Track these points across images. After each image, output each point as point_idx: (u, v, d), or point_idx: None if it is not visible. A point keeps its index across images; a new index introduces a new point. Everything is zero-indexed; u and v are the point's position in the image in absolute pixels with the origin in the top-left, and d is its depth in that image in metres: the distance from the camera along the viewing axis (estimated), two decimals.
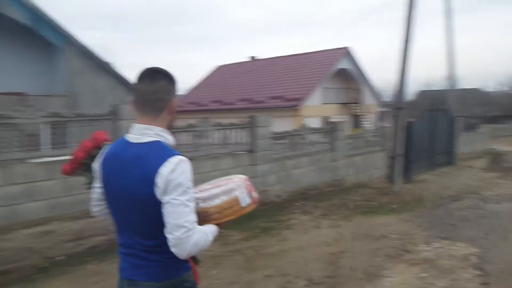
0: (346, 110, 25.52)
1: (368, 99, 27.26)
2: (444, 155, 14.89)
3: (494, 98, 43.40)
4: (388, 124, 19.05)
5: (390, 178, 10.79)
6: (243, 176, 2.02)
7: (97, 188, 1.84)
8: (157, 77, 1.71)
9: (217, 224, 1.79)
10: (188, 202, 1.60)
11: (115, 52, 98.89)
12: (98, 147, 1.97)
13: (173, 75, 1.77)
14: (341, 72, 25.64)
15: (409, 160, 12.37)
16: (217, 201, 1.82)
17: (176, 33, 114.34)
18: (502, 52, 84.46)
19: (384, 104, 30.37)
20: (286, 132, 9.12)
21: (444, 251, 5.74)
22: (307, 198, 8.97)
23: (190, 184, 1.63)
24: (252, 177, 8.04)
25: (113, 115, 6.25)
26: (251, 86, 25.81)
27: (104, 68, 14.24)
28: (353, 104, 25.60)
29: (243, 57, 31.02)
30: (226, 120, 8.49)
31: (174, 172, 1.58)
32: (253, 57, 30.07)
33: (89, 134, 2.12)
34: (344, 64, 25.20)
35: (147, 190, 1.60)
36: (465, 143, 20.84)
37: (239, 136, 8.11)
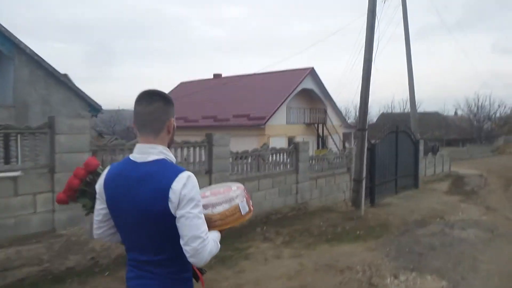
0: (311, 130, 25.36)
1: (333, 120, 27.26)
2: (407, 178, 14.76)
3: (453, 121, 44.74)
4: (352, 145, 18.94)
5: (355, 201, 10.44)
6: (240, 185, 2.08)
7: (100, 210, 1.85)
8: (153, 99, 1.77)
9: (219, 231, 1.86)
10: (200, 214, 1.69)
11: (74, 64, 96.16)
12: (91, 173, 2.02)
13: (169, 96, 1.84)
14: (306, 92, 25.53)
15: (374, 183, 12.08)
16: (219, 209, 1.89)
17: (140, 47, 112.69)
18: (459, 77, 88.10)
19: (349, 125, 30.54)
20: (246, 152, 8.55)
21: (413, 286, 5.29)
22: (269, 223, 8.41)
23: (199, 197, 1.71)
24: None
25: (49, 128, 5.70)
26: (215, 104, 25.27)
27: (57, 80, 13.35)
28: (318, 125, 25.47)
29: (207, 75, 30.43)
30: (191, 137, 7.86)
31: (186, 187, 1.65)
32: (216, 75, 29.59)
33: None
34: (309, 84, 25.12)
35: (160, 206, 1.65)
36: (427, 166, 21.02)
37: (198, 156, 7.48)
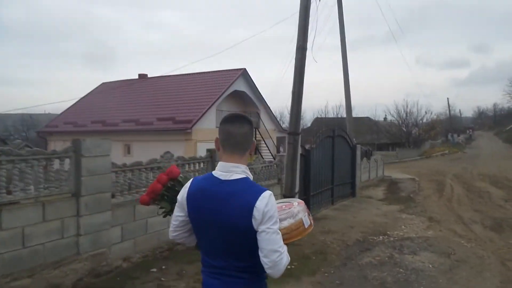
0: None
1: (267, 124, 25.54)
2: (344, 186, 13.20)
3: (383, 126, 45.11)
4: (285, 151, 17.18)
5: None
6: (301, 201, 2.29)
7: (178, 217, 2.01)
8: (245, 121, 1.96)
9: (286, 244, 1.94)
10: (278, 230, 1.85)
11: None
12: (173, 180, 2.27)
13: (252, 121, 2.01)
14: (237, 94, 23.61)
15: (309, 194, 10.29)
16: (285, 223, 2.04)
17: (64, 49, 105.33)
18: (388, 86, 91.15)
19: (283, 130, 29.02)
20: (138, 163, 6.26)
21: None
22: (172, 257, 6.20)
23: (277, 214, 1.87)
24: (73, 235, 5.06)
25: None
26: (139, 106, 22.57)
27: None
28: None
29: (133, 76, 27.51)
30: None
31: (268, 205, 1.81)
32: (142, 75, 26.80)
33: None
34: (241, 86, 23.21)
35: (245, 222, 1.81)
36: (362, 171, 19.85)
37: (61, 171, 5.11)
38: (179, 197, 1.99)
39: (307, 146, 10.75)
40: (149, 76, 26.86)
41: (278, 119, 27.87)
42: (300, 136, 7.55)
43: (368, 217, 10.92)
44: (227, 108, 23.02)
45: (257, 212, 1.78)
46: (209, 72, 23.88)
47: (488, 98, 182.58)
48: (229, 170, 1.88)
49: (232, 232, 1.83)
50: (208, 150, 8.30)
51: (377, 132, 43.58)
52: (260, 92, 24.41)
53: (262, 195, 1.82)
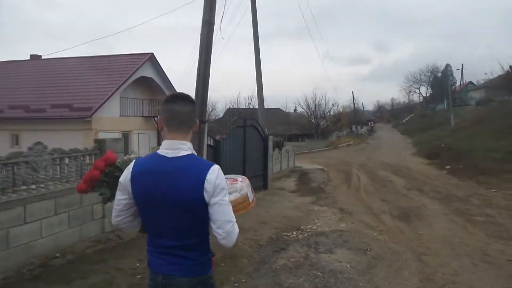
0: (151, 124, 21.85)
1: None
2: (257, 179, 12.58)
3: (294, 118, 45.90)
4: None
5: None
6: (244, 177, 2.45)
7: (121, 200, 1.97)
8: (189, 100, 1.99)
9: None
10: (228, 201, 1.91)
11: None
12: (110, 165, 2.21)
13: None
14: (145, 81, 21.92)
15: None
16: (231, 197, 2.08)
17: None
18: (298, 79, 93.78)
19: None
20: None
21: None
22: (45, 276, 4.90)
23: (227, 186, 1.94)
24: None
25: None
26: (29, 91, 19.87)
27: None
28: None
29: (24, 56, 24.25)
30: None
31: (218, 178, 1.85)
32: (34, 56, 23.74)
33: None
34: (148, 72, 21.52)
35: (197, 195, 1.82)
36: (274, 162, 19.55)
37: None
38: (121, 179, 1.95)
39: (217, 137, 9.87)
40: (43, 57, 23.88)
41: None
42: (206, 124, 6.59)
43: (281, 210, 10.40)
44: (133, 95, 21.30)
45: (208, 185, 1.80)
46: (112, 55, 21.82)
47: (386, 93, 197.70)
48: (176, 148, 1.89)
49: (183, 207, 1.83)
50: (96, 141, 7.03)
51: (288, 124, 44.19)
52: (169, 79, 22.94)
53: (211, 168, 1.86)
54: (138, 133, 20.18)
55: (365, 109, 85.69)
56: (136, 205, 1.96)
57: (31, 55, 23.88)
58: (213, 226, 1.85)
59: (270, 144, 13.41)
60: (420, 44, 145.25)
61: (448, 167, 21.51)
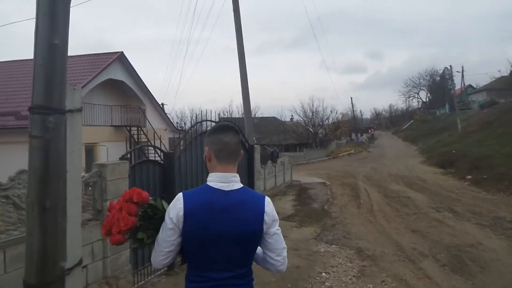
0: (123, 135, 18.24)
1: (156, 123, 20.58)
2: None
3: (290, 127, 42.31)
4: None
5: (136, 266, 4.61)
6: None
7: (173, 241, 1.82)
8: (237, 131, 1.93)
9: None
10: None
11: None
12: (143, 206, 1.89)
13: None
14: (116, 85, 18.41)
15: None
16: None
17: None
18: (293, 88, 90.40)
19: (176, 129, 24.20)
20: None
21: None
22: None
23: None
24: None
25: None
26: None
27: None
28: (131, 128, 18.43)
29: None
30: None
31: (273, 209, 1.88)
32: None
33: None
34: (117, 74, 18.00)
35: (258, 228, 1.82)
36: (267, 177, 15.97)
37: None
38: (172, 216, 1.79)
39: (170, 149, 6.28)
40: None
41: (168, 116, 22.87)
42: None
43: None
44: (101, 101, 17.71)
45: (267, 217, 1.82)
46: (76, 56, 18.27)
47: (382, 100, 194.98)
48: (230, 180, 1.84)
49: (244, 239, 1.81)
50: (97, 166, 4.67)
51: (284, 133, 40.62)
52: (143, 83, 19.38)
53: (265, 200, 1.88)
54: (106, 146, 16.53)
55: (363, 116, 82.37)
56: (184, 241, 1.82)
57: None
58: (271, 255, 1.88)
59: (257, 156, 9.84)
60: (415, 51, 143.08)
61: (469, 177, 18.07)
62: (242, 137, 9.62)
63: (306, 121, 41.43)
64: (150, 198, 1.92)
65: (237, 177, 1.87)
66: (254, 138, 14.63)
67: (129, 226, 1.80)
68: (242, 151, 1.95)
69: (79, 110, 2.72)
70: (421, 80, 73.05)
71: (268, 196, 7.37)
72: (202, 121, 7.22)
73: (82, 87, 15.73)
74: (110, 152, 16.38)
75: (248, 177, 9.45)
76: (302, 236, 8.32)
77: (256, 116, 41.65)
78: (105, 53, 17.96)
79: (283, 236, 6.58)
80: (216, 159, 1.85)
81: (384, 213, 11.36)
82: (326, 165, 30.05)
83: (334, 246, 7.66)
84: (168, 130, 22.15)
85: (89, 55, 18.16)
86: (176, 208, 1.79)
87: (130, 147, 17.50)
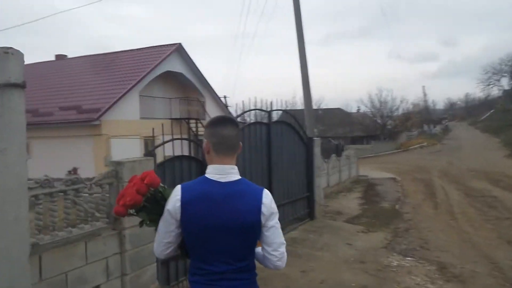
0: (182, 128, 17.81)
1: (215, 115, 19.96)
2: (294, 205, 7.80)
3: (356, 118, 40.05)
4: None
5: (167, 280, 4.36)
6: None
7: (171, 232, 1.82)
8: (235, 124, 1.91)
9: None
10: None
11: None
12: (153, 189, 1.88)
13: None
14: (174, 78, 18.05)
15: None
16: None
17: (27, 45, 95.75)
18: (361, 79, 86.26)
19: (242, 123, 23.50)
20: None
21: None
22: None
23: None
24: None
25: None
26: (42, 92, 16.75)
27: None
28: (193, 120, 17.95)
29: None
30: None
31: (272, 201, 1.83)
32: (60, 56, 20.84)
33: None
34: (176, 66, 17.57)
35: (255, 219, 1.77)
36: (330, 172, 14.65)
37: None
38: (169, 207, 1.79)
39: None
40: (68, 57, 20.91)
41: (227, 107, 22.12)
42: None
43: (331, 270, 5.66)
44: (161, 94, 17.45)
45: (265, 208, 1.79)
46: (136, 49, 18.13)
47: (457, 90, 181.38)
48: (227, 172, 1.81)
49: (241, 231, 1.77)
50: (112, 163, 3.76)
51: (350, 125, 38.53)
52: (203, 74, 18.81)
53: (264, 192, 1.83)
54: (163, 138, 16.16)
55: (435, 107, 76.57)
56: (184, 233, 1.81)
57: (56, 55, 21.03)
58: (268, 249, 1.84)
59: (317, 150, 8.62)
60: (494, 36, 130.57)
61: None
62: (301, 129, 8.45)
63: (374, 112, 38.98)
64: (161, 185, 1.91)
65: (235, 169, 1.85)
66: (315, 130, 13.36)
67: (132, 202, 1.82)
68: (240, 144, 1.91)
69: (19, 85, 1.78)
70: (503, 66, 65.94)
71: (332, 193, 6.22)
72: (249, 110, 6.22)
73: (141, 79, 15.49)
74: (168, 146, 16.02)
75: (306, 173, 8.28)
76: (369, 244, 7.00)
77: (320, 107, 39.95)
78: (163, 45, 17.60)
79: (348, 243, 5.26)
80: (214, 152, 1.83)
81: (467, 216, 9.65)
82: (396, 159, 27.88)
83: (409, 259, 6.29)
84: None
85: (147, 48, 17.93)
86: (173, 199, 1.79)
87: (189, 141, 17.00)
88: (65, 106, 15.10)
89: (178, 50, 17.45)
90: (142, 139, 15.46)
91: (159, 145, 4.62)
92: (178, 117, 17.90)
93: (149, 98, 16.28)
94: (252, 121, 6.63)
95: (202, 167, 5.04)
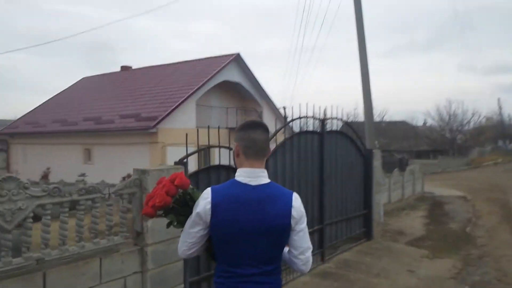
0: None
1: (272, 126, 19.56)
2: (350, 223, 7.04)
3: (422, 131, 37.67)
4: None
5: None
6: None
7: (197, 233, 1.80)
8: (265, 128, 1.86)
9: None
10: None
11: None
12: (182, 191, 1.89)
13: None
14: (231, 87, 17.93)
15: None
16: None
17: (105, 60, 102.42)
18: (427, 94, 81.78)
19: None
20: None
21: None
22: None
23: None
24: None
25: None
26: (104, 102, 17.40)
27: None
28: None
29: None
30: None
31: (301, 205, 1.82)
32: (125, 67, 21.64)
33: None
34: (234, 76, 17.45)
35: (286, 222, 1.76)
36: (392, 188, 13.61)
37: None
38: (199, 210, 1.77)
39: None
40: (132, 68, 21.66)
41: (285, 117, 21.59)
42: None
43: None
44: (218, 103, 17.41)
45: (295, 212, 1.78)
46: (197, 59, 18.28)
47: None
48: (257, 176, 1.80)
49: (271, 234, 1.76)
50: (136, 171, 3.43)
51: (415, 138, 36.29)
52: (260, 84, 18.49)
53: (294, 196, 1.82)
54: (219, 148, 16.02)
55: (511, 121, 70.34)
56: (213, 235, 1.80)
57: (121, 67, 21.89)
58: (294, 252, 1.83)
59: (377, 164, 7.79)
60: None
61: None
62: (358, 140, 7.71)
63: (442, 126, 36.36)
64: (191, 187, 1.91)
65: (264, 173, 1.82)
66: (376, 142, 12.40)
67: (162, 204, 1.81)
68: (270, 148, 1.89)
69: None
70: None
71: (393, 210, 4.01)
72: (295, 119, 5.69)
73: (198, 88, 15.51)
74: (224, 155, 15.83)
75: (364, 188, 7.50)
76: (435, 273, 6.07)
77: (383, 120, 38.17)
78: (222, 56, 17.56)
79: (410, 270, 4.42)
80: (244, 155, 1.82)
81: None
82: (466, 176, 25.63)
83: None
84: (286, 133, 20.97)
85: (207, 58, 18.01)
86: (204, 201, 1.77)
87: (229, 149, 16.72)
88: (125, 114, 15.48)
89: (236, 60, 17.33)
90: (196, 147, 15.42)
91: (192, 154, 4.22)
92: (235, 126, 17.72)
93: (206, 107, 16.25)
94: (303, 130, 6.02)
95: None
